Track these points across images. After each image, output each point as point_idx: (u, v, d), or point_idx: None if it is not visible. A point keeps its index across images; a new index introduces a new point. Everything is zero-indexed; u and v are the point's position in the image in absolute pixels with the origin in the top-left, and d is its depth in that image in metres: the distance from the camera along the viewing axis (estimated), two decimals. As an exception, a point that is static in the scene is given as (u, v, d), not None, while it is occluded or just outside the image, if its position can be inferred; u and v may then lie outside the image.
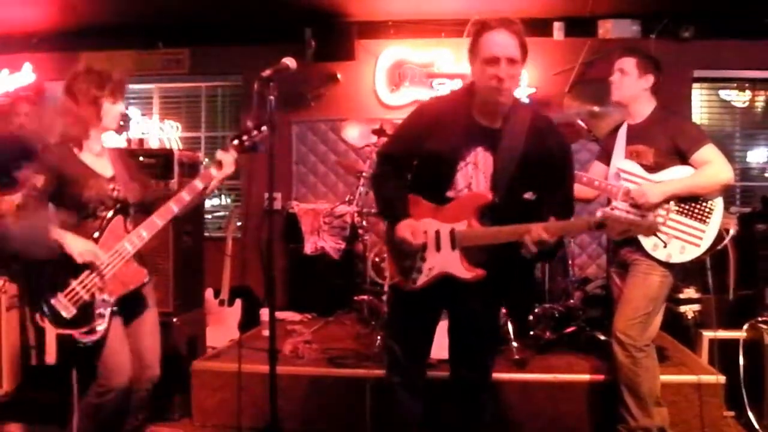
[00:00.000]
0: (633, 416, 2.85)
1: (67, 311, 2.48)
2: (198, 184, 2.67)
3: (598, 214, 2.66)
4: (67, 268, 2.49)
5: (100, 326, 2.50)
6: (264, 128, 2.67)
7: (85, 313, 2.49)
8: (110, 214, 2.60)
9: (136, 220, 2.69)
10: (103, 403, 2.55)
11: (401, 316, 2.53)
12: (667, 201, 2.83)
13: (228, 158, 2.68)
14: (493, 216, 2.25)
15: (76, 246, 2.48)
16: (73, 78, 2.62)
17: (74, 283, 2.50)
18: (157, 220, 2.63)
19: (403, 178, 2.42)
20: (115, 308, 2.55)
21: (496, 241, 2.21)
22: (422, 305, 2.42)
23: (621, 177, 2.94)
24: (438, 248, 2.30)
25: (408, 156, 2.40)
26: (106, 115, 2.64)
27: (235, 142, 2.70)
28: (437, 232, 2.30)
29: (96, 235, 2.55)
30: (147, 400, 2.79)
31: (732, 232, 2.98)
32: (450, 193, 2.31)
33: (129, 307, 2.66)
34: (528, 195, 2.21)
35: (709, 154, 2.80)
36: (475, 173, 2.28)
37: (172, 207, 2.65)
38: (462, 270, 2.27)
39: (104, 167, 2.69)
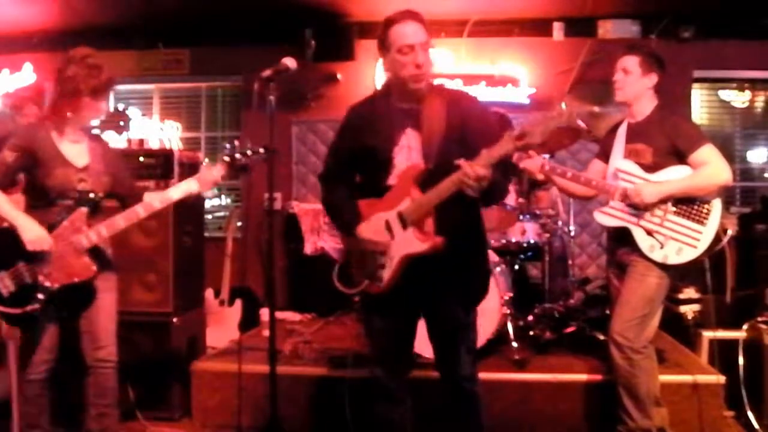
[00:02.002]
0: (632, 417, 2.84)
1: (6, 290, 2.53)
2: (170, 195, 2.69)
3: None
4: (17, 249, 2.53)
5: (33, 310, 2.54)
6: (261, 150, 2.68)
7: (23, 295, 2.54)
8: (73, 204, 2.62)
9: (101, 214, 2.71)
10: (31, 379, 2.66)
11: (374, 327, 2.55)
12: (663, 201, 2.81)
13: (194, 185, 2.69)
14: (432, 184, 2.27)
15: (29, 233, 2.52)
16: (66, 62, 2.65)
17: (20, 265, 2.54)
18: (121, 221, 2.65)
19: (347, 188, 2.49)
20: (53, 298, 2.57)
21: (440, 200, 2.23)
22: (393, 310, 2.43)
23: (619, 177, 2.92)
24: (392, 236, 2.33)
25: (346, 164, 2.48)
26: (82, 109, 2.64)
27: (226, 159, 2.70)
28: (387, 222, 2.34)
29: (54, 223, 2.58)
30: (109, 384, 2.80)
31: (730, 233, 2.96)
32: (391, 180, 2.36)
33: (76, 297, 2.68)
34: (460, 161, 2.20)
35: (707, 154, 2.78)
36: (410, 154, 2.34)
37: (139, 212, 2.67)
38: (417, 244, 2.29)
39: (79, 156, 2.69)
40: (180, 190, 2.70)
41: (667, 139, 2.83)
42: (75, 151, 2.68)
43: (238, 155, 2.68)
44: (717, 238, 2.80)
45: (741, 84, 5.64)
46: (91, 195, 2.66)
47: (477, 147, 2.20)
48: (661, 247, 2.80)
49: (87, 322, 2.75)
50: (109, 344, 2.78)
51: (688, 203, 2.81)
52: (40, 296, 2.54)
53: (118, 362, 2.82)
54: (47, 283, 2.56)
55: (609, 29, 5.32)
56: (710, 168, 2.77)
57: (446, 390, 2.49)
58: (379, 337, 2.53)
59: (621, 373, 2.84)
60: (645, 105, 2.94)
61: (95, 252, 2.68)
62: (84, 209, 2.62)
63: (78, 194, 2.63)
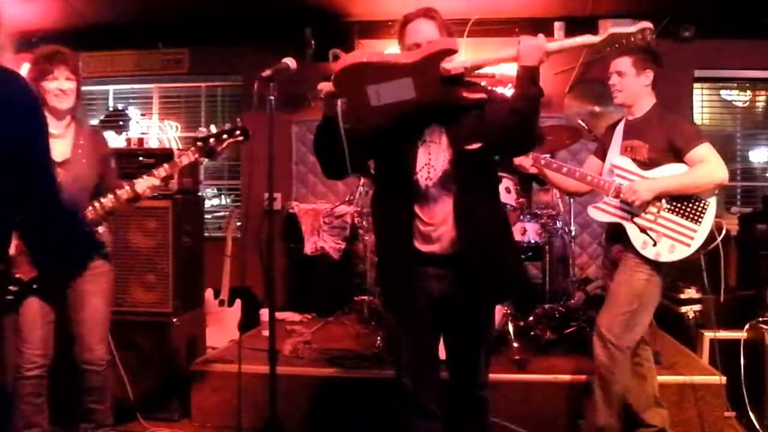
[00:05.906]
0: (597, 412, 2.83)
1: None
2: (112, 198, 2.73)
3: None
4: None
5: (9, 297, 2.59)
6: (237, 134, 2.81)
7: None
8: None
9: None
10: (22, 375, 2.70)
11: (398, 332, 2.41)
12: (658, 198, 2.79)
13: (141, 185, 2.72)
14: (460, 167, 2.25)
15: None
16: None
17: None
18: (88, 213, 2.70)
19: None
20: (33, 287, 2.63)
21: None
22: (416, 313, 2.31)
23: (614, 173, 2.91)
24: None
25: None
26: (48, 93, 2.69)
27: (200, 143, 2.77)
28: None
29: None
30: (97, 385, 2.86)
31: (725, 231, 2.94)
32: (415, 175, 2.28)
33: (54, 290, 2.73)
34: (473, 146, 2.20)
35: (703, 152, 2.76)
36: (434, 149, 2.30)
37: (105, 202, 2.71)
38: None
39: (60, 151, 2.73)
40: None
41: (664, 137, 2.81)
42: (57, 145, 2.70)
43: (212, 140, 2.78)
44: (711, 237, 2.78)
45: (742, 84, 5.63)
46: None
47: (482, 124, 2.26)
48: (654, 245, 2.78)
49: (75, 325, 2.84)
50: (96, 348, 2.85)
51: (682, 201, 2.79)
52: (13, 288, 2.59)
53: (108, 363, 2.90)
54: (20, 275, 2.60)
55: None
56: (706, 166, 2.75)
57: (455, 394, 2.41)
58: (405, 342, 2.36)
59: (599, 365, 2.82)
60: (643, 103, 2.93)
61: None
62: None
63: None
